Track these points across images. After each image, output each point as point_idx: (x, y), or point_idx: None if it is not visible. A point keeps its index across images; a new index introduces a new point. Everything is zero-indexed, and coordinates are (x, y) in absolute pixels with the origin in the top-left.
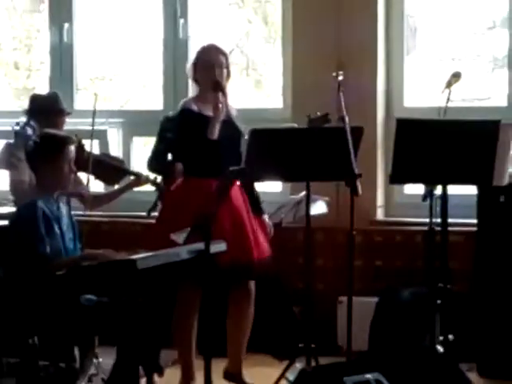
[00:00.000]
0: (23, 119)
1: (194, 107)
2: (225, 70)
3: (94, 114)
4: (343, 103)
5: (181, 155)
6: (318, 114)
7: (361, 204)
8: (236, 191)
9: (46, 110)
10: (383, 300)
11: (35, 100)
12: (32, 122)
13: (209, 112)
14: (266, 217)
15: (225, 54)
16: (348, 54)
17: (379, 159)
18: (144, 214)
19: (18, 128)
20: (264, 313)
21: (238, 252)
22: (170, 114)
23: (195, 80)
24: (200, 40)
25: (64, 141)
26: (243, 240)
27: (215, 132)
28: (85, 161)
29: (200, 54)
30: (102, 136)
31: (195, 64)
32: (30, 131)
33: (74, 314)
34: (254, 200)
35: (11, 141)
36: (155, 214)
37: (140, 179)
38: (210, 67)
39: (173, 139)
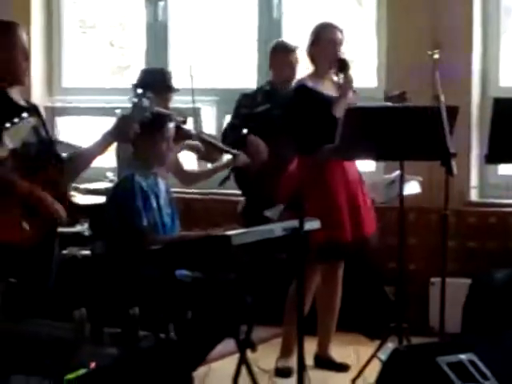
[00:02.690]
0: (139, 90)
1: (310, 84)
2: (343, 47)
3: (192, 92)
4: (439, 82)
5: (299, 133)
6: (396, 92)
7: (454, 184)
8: (353, 167)
9: (156, 84)
10: (477, 282)
11: (146, 74)
12: (150, 94)
13: (324, 90)
14: None
15: (342, 32)
16: (444, 33)
17: (473, 139)
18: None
19: (135, 100)
20: (356, 292)
21: (349, 228)
22: (247, 91)
23: (311, 57)
24: (294, 19)
25: (165, 118)
26: (357, 217)
27: (341, 110)
28: (184, 138)
29: (319, 31)
30: (196, 114)
31: (314, 41)
32: (147, 103)
33: (169, 289)
34: None
35: (126, 112)
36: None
37: (237, 159)
38: (332, 45)
39: (247, 114)
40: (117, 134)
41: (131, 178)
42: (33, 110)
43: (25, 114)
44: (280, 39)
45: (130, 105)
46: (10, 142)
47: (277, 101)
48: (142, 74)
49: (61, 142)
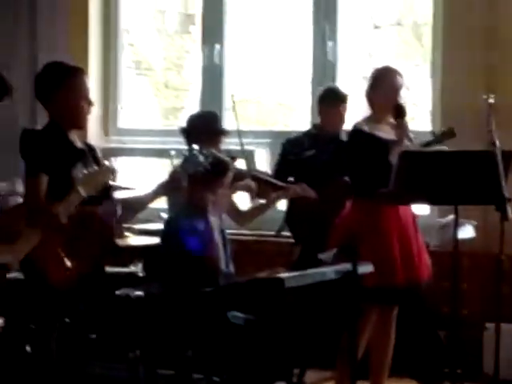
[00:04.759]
0: (195, 146)
1: (366, 128)
2: (402, 92)
3: (239, 133)
4: (494, 127)
5: (354, 176)
6: (443, 129)
7: (510, 229)
8: (407, 211)
9: (206, 128)
10: None
11: (195, 118)
12: (205, 150)
13: (381, 134)
14: None
15: (401, 76)
16: (500, 77)
17: None
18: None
19: (188, 154)
20: (409, 336)
21: (402, 273)
22: (292, 136)
23: (370, 101)
24: (348, 62)
25: (225, 167)
26: (410, 262)
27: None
28: (238, 177)
29: (380, 76)
30: (249, 156)
31: (372, 85)
32: (201, 158)
33: (221, 330)
34: None
35: (179, 166)
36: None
37: (288, 191)
38: (392, 91)
39: (293, 161)
40: (169, 187)
41: (175, 219)
42: (89, 151)
43: (105, 163)
44: (330, 86)
45: (184, 151)
46: (83, 191)
47: (323, 146)
48: (191, 119)
49: (115, 186)
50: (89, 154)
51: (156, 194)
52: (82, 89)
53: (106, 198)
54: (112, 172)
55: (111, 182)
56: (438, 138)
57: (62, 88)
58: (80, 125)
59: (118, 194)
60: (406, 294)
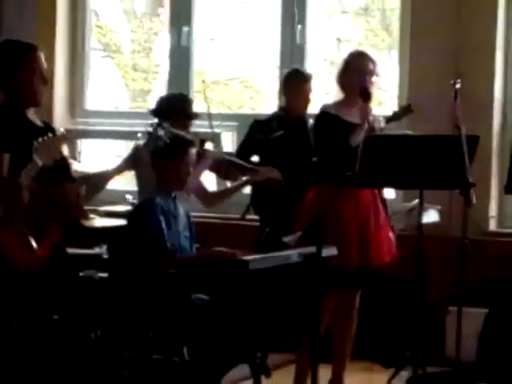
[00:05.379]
0: (155, 120)
1: (333, 111)
2: (373, 78)
3: (209, 116)
4: (459, 112)
5: (320, 158)
6: (401, 105)
7: (473, 214)
8: (368, 194)
9: (174, 111)
10: (493, 312)
11: (165, 100)
12: (165, 124)
13: (351, 118)
14: None
15: (374, 62)
16: (466, 62)
17: (493, 169)
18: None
19: (150, 130)
20: (371, 319)
21: (358, 258)
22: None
23: (341, 85)
24: (316, 46)
25: (188, 144)
26: (367, 245)
27: (358, 140)
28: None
29: (351, 60)
30: (216, 139)
31: (343, 69)
32: (161, 132)
33: (185, 312)
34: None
35: (141, 142)
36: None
37: (256, 175)
38: (359, 74)
39: (260, 140)
40: (131, 163)
41: (152, 200)
42: (49, 131)
43: (60, 131)
44: (295, 67)
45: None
46: (39, 160)
47: (291, 127)
48: (161, 101)
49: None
50: (48, 133)
51: (118, 169)
52: (35, 66)
53: (66, 176)
54: (66, 138)
55: (70, 162)
56: (396, 113)
57: (15, 66)
58: (35, 103)
59: (80, 171)
60: (361, 277)
